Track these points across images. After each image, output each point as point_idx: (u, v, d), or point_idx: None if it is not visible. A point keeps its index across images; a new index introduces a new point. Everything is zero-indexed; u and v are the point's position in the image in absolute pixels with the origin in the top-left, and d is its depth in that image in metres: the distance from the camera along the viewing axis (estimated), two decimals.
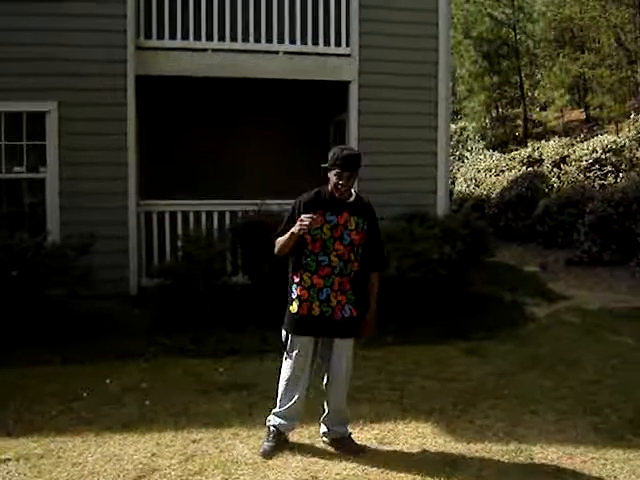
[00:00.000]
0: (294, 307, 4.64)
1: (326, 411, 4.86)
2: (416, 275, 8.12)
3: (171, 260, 8.93)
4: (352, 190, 4.70)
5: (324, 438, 4.91)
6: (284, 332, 4.73)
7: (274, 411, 4.84)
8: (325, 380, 4.83)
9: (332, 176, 4.55)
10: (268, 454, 4.67)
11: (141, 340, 7.57)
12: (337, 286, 4.61)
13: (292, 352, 4.68)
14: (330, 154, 4.60)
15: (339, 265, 4.59)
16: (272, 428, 4.81)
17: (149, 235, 9.31)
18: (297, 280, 4.63)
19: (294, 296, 4.65)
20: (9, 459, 4.64)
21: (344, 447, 4.78)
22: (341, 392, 4.81)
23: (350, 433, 4.91)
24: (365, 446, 4.85)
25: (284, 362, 4.78)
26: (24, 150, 8.97)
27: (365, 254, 4.71)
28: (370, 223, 4.73)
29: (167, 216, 9.32)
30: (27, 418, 5.43)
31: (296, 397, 4.74)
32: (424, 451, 4.81)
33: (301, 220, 4.39)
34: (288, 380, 4.74)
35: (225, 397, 5.90)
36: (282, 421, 4.80)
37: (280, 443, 4.78)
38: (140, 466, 4.54)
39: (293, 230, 4.45)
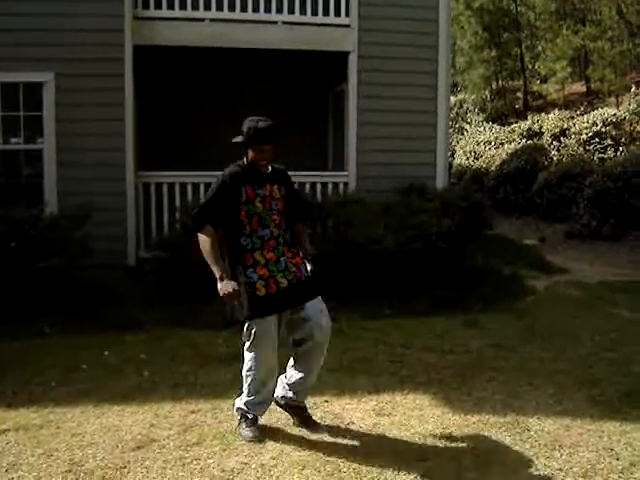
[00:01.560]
0: (261, 289, 4.36)
1: (296, 377, 4.59)
2: (415, 247, 8.11)
3: (169, 232, 8.92)
4: None
5: (281, 402, 4.72)
6: (247, 323, 4.43)
7: (245, 400, 4.60)
8: (298, 347, 4.54)
9: (252, 151, 4.47)
10: (259, 439, 4.45)
11: (140, 312, 7.59)
12: (288, 253, 4.52)
13: (260, 339, 4.39)
14: (245, 129, 4.44)
15: (280, 234, 4.52)
16: (249, 415, 4.58)
17: (147, 206, 9.30)
18: (251, 262, 4.41)
19: (255, 278, 4.38)
20: (8, 430, 4.66)
21: (305, 422, 4.64)
22: (319, 358, 4.56)
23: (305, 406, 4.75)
24: (320, 425, 4.67)
25: (248, 354, 4.50)
26: (21, 121, 8.94)
27: (288, 212, 4.62)
28: (287, 187, 4.68)
29: (165, 187, 9.30)
30: (26, 389, 5.44)
31: (272, 385, 4.60)
32: (422, 422, 4.82)
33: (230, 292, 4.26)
34: (260, 370, 4.48)
35: (224, 368, 5.90)
36: (255, 409, 4.59)
37: (259, 426, 4.59)
38: (139, 437, 4.55)
39: (220, 285, 4.28)
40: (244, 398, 4.61)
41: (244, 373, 4.58)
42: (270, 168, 4.61)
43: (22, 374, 5.79)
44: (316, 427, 4.64)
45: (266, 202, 4.48)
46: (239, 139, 4.48)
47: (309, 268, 4.60)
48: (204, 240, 4.42)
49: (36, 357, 6.27)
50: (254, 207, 4.44)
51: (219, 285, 4.31)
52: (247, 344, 4.50)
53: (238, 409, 4.66)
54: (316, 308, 4.49)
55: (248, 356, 4.53)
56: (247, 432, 4.53)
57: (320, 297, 4.57)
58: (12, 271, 7.33)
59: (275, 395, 4.71)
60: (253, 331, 4.41)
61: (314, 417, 4.75)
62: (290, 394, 4.67)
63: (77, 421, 4.83)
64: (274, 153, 4.53)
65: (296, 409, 4.72)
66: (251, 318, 4.40)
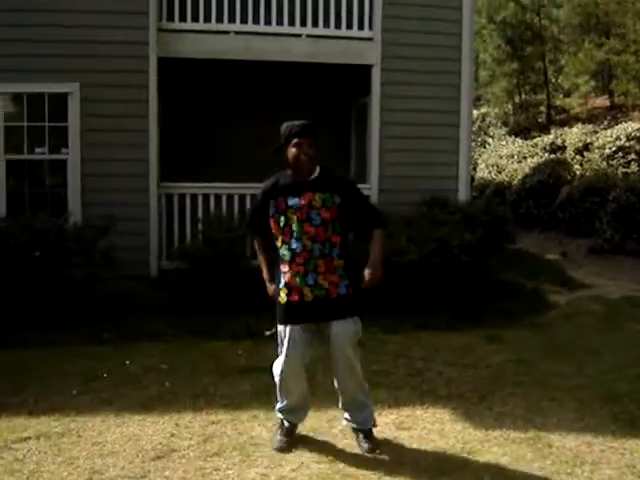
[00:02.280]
0: (282, 297, 4.39)
1: (340, 400, 4.66)
2: (436, 261, 8.09)
3: (191, 243, 8.95)
4: (316, 166, 4.45)
5: (344, 423, 4.74)
6: (279, 327, 4.45)
7: (278, 407, 4.66)
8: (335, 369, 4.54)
9: (291, 151, 4.33)
10: (283, 449, 4.47)
11: (161, 322, 7.63)
12: (323, 268, 4.35)
13: (286, 344, 4.39)
14: (281, 132, 4.38)
15: (315, 247, 4.32)
16: (283, 422, 4.65)
17: (170, 217, 9.34)
18: (285, 269, 4.39)
19: (281, 285, 4.41)
20: (30, 437, 4.69)
21: (361, 443, 4.54)
22: (348, 378, 4.48)
23: (372, 426, 4.64)
24: (379, 444, 4.57)
25: (279, 358, 4.50)
26: (46, 131, 9.02)
27: (356, 221, 4.51)
28: (344, 194, 4.40)
29: (188, 198, 9.34)
30: (48, 397, 5.48)
31: (298, 392, 4.56)
32: (442, 437, 4.80)
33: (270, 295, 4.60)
34: (286, 375, 4.47)
35: (244, 379, 5.93)
36: (289, 416, 4.64)
37: (292, 436, 4.61)
38: (159, 446, 4.57)
39: (268, 290, 4.65)
40: (277, 404, 4.69)
41: (275, 380, 4.64)
42: (317, 173, 4.43)
43: (44, 382, 5.83)
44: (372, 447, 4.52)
45: (302, 213, 4.32)
46: (276, 148, 4.41)
47: (347, 290, 4.41)
48: (255, 246, 4.80)
49: (58, 365, 6.31)
50: (286, 219, 4.35)
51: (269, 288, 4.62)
52: (278, 348, 4.53)
53: (278, 415, 4.72)
54: (342, 327, 4.37)
55: (277, 360, 4.56)
56: (275, 440, 4.59)
57: (351, 317, 4.43)
58: (35, 280, 7.39)
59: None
60: (280, 336, 4.46)
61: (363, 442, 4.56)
62: (346, 414, 4.69)
63: (98, 430, 4.86)
64: (313, 152, 4.37)
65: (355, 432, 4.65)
66: (279, 323, 4.46)
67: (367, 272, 4.34)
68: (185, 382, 5.89)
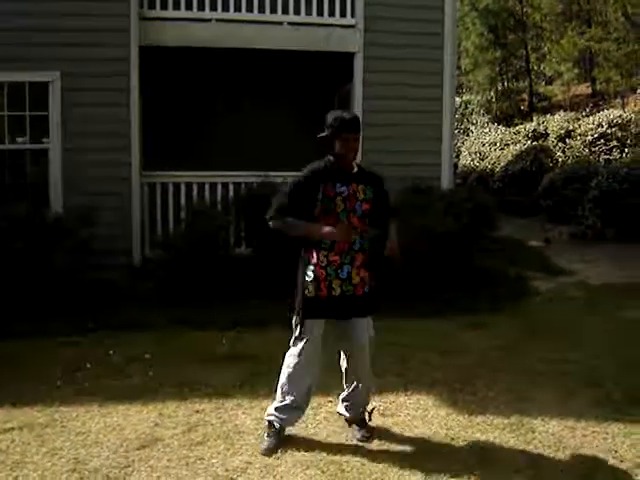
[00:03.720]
0: (310, 290, 4.28)
1: (346, 391, 4.63)
2: (420, 248, 8.10)
3: (174, 232, 8.93)
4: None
5: (340, 410, 4.73)
6: (295, 318, 4.36)
7: (276, 406, 4.46)
8: (344, 358, 4.54)
9: (339, 144, 4.28)
10: (270, 452, 4.29)
11: (145, 311, 7.60)
12: (359, 262, 4.34)
13: (304, 337, 4.31)
14: (330, 120, 4.30)
15: (357, 239, 4.32)
16: (275, 424, 4.43)
17: (152, 206, 9.31)
18: (314, 260, 4.29)
19: (309, 278, 4.29)
20: (13, 428, 4.67)
21: (356, 436, 4.54)
22: (364, 375, 4.52)
23: (364, 419, 4.65)
24: (373, 431, 4.62)
25: (292, 349, 4.40)
26: (27, 121, 8.95)
27: (377, 216, 4.48)
28: (377, 190, 4.45)
29: (171, 187, 9.32)
30: (31, 388, 5.45)
31: (307, 385, 4.42)
32: (426, 423, 4.82)
33: (337, 230, 4.17)
34: (298, 368, 4.35)
35: (228, 368, 5.91)
36: (285, 416, 4.43)
37: (282, 439, 4.42)
38: (143, 436, 4.56)
39: (322, 232, 4.19)
40: (274, 403, 4.50)
41: (282, 372, 4.48)
42: (356, 168, 4.43)
43: (27, 373, 5.80)
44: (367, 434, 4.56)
45: (349, 202, 4.29)
46: (324, 133, 4.33)
47: (370, 287, 4.43)
48: (285, 227, 4.33)
49: (41, 356, 6.28)
50: (334, 205, 4.27)
51: (328, 230, 4.20)
52: (292, 339, 4.41)
53: (268, 416, 4.50)
54: (362, 325, 4.41)
55: (289, 352, 4.44)
56: (266, 442, 4.40)
57: (371, 314, 4.48)
58: (18, 270, 7.34)
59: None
60: (299, 328, 4.35)
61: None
62: (341, 405, 4.68)
63: (82, 420, 4.84)
64: (357, 146, 4.37)
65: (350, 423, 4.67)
66: (296, 313, 4.37)
67: (390, 247, 4.51)
68: (169, 371, 5.87)
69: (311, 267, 4.31)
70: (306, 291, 4.31)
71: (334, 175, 4.32)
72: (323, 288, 4.29)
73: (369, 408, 4.71)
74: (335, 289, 4.29)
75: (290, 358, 4.42)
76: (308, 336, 4.32)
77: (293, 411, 4.47)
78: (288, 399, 4.43)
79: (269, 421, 4.47)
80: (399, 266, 4.58)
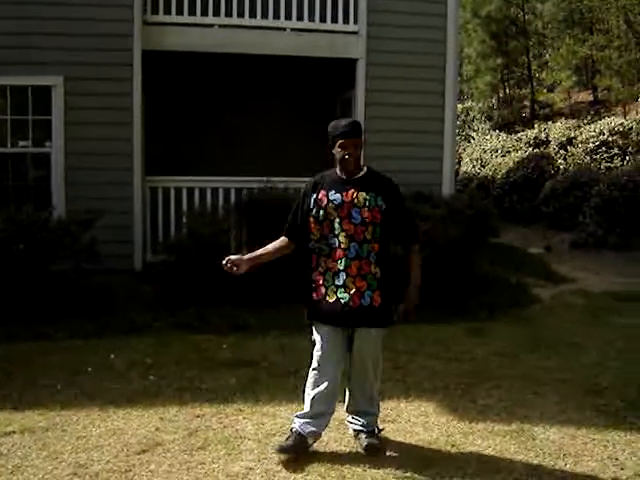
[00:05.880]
0: (312, 294, 4.36)
1: (347, 400, 4.61)
2: (420, 254, 8.10)
3: (176, 236, 8.94)
4: (363, 165, 4.46)
5: (349, 425, 4.66)
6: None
7: (298, 413, 4.45)
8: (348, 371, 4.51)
9: (337, 150, 4.30)
10: (281, 450, 4.26)
11: (146, 315, 7.60)
12: (355, 270, 4.25)
13: (317, 343, 4.37)
14: (329, 129, 4.34)
15: (353, 247, 4.23)
16: (295, 429, 4.38)
17: (154, 211, 9.32)
18: (314, 264, 4.35)
19: (311, 283, 4.37)
20: (14, 432, 4.67)
21: (362, 444, 4.46)
22: (361, 385, 4.49)
23: (372, 430, 4.54)
24: (382, 445, 4.51)
25: (314, 353, 4.42)
26: (30, 124, 8.97)
27: (394, 232, 4.41)
28: (388, 198, 4.33)
29: (172, 192, 9.33)
30: (32, 392, 5.45)
31: (325, 390, 4.33)
32: (426, 429, 4.82)
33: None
34: (315, 374, 4.37)
35: (229, 373, 5.92)
36: (305, 421, 4.36)
37: (300, 446, 4.32)
38: (144, 440, 4.56)
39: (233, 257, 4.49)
40: (300, 412, 4.47)
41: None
42: (363, 172, 4.42)
43: (28, 377, 5.80)
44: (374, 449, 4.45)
45: (342, 209, 4.25)
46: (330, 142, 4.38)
47: (371, 300, 4.29)
48: (274, 243, 4.56)
49: (42, 359, 6.28)
50: (325, 213, 4.27)
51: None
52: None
53: (292, 422, 4.46)
54: (363, 336, 4.35)
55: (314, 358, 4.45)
56: (283, 442, 4.36)
57: (373, 330, 4.37)
58: (19, 274, 7.35)
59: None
60: (314, 332, 4.42)
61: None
62: (349, 417, 4.64)
63: (82, 424, 4.84)
64: (358, 152, 4.37)
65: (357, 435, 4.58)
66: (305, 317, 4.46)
67: (402, 307, 4.49)
68: (170, 375, 5.88)
69: (312, 272, 4.38)
70: (310, 294, 4.38)
71: (329, 183, 4.37)
72: (319, 292, 4.34)
73: (379, 423, 4.64)
74: (330, 295, 4.30)
75: (311, 366, 4.44)
76: (320, 341, 4.37)
77: (314, 418, 4.39)
78: (308, 405, 4.42)
79: (291, 428, 4.45)
80: (412, 318, 4.56)
